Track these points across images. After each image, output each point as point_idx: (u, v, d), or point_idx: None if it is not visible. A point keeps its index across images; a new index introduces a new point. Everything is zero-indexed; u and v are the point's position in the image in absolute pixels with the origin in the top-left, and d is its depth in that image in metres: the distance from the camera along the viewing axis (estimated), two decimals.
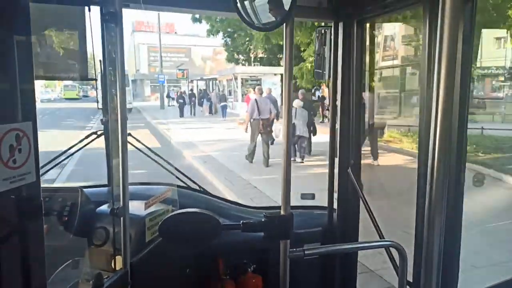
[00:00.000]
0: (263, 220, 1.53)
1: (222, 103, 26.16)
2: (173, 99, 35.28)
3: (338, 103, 2.27)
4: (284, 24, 1.46)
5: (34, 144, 1.00)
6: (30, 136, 0.99)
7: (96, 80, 2.02)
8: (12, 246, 0.98)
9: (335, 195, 2.35)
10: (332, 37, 2.30)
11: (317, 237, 2.34)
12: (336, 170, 2.32)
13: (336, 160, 2.32)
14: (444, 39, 1.03)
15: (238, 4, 1.46)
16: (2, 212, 0.94)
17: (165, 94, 35.59)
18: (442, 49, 1.04)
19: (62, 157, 2.11)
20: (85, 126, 16.74)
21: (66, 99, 42.76)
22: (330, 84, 2.35)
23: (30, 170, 0.99)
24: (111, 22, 1.52)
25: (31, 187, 0.99)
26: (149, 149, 2.36)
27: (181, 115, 26.92)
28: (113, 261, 1.54)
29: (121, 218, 1.51)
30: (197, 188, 2.47)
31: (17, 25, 0.97)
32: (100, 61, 2.01)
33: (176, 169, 2.41)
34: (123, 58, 1.55)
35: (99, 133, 2.24)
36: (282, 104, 1.64)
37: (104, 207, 1.83)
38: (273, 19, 1.52)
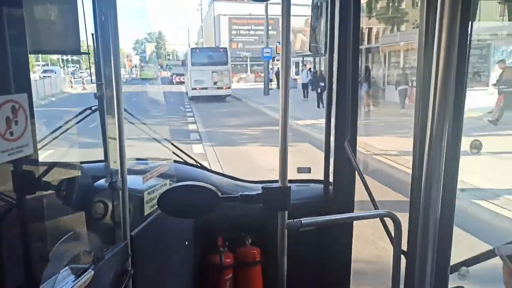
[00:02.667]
0: (261, 192, 1.54)
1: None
2: (271, 80, 27.82)
3: (335, 76, 2.25)
4: None
5: (31, 116, 0.99)
6: (26, 108, 0.97)
7: (89, 54, 1.99)
8: (12, 219, 0.98)
9: (331, 169, 2.37)
10: (329, 9, 2.26)
11: (313, 210, 2.36)
12: (332, 144, 2.32)
13: (332, 134, 2.32)
14: (443, 27, 1.04)
15: None
16: (1, 185, 0.93)
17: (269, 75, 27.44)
18: (441, 32, 1.05)
19: (57, 133, 2.10)
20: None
21: (143, 79, 36.30)
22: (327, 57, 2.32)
23: (27, 142, 0.98)
24: None
25: (29, 159, 0.99)
26: (144, 123, 2.35)
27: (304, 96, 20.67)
28: (113, 234, 1.55)
29: (120, 191, 1.51)
30: (193, 162, 2.47)
31: None
32: (92, 34, 1.97)
33: (172, 144, 2.41)
34: (117, 30, 1.52)
35: (93, 108, 2.22)
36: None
37: (102, 182, 1.84)
38: None
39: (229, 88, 25.04)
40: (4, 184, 0.95)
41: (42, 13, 1.66)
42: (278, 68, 29.90)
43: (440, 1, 1.04)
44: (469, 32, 1.36)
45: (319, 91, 18.37)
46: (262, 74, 31.12)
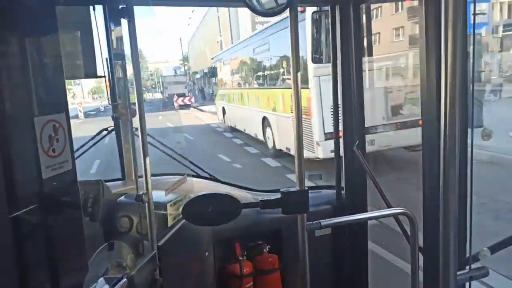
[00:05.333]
0: (280, 196, 1.61)
1: None
2: None
3: (339, 84, 2.34)
4: (289, 9, 1.51)
5: (69, 133, 1.07)
6: (64, 126, 1.06)
7: (104, 77, 2.09)
8: (55, 231, 1.05)
9: (342, 174, 2.43)
10: (330, 21, 2.36)
11: (328, 215, 2.42)
12: (341, 149, 2.39)
13: (341, 139, 2.39)
14: (449, 29, 1.04)
15: None
16: (46, 199, 1.01)
17: None
18: (447, 37, 1.05)
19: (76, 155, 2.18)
20: None
21: None
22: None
23: (67, 159, 1.06)
24: (124, 17, 1.57)
25: (68, 174, 1.06)
26: (159, 141, 2.43)
27: None
28: (140, 245, 1.62)
29: (146, 204, 1.58)
30: (208, 176, 2.54)
31: (46, 28, 1.04)
32: (106, 58, 2.07)
33: (185, 158, 2.49)
34: (137, 54, 1.61)
35: (109, 129, 2.31)
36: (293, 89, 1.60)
37: (124, 198, 1.91)
38: (275, 4, 1.58)
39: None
40: (47, 197, 1.02)
41: (64, 40, 1.75)
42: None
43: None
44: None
45: None
46: None
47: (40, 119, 0.98)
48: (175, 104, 28.61)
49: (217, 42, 26.85)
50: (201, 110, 28.24)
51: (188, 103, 29.81)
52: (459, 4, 1.04)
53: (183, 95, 29.85)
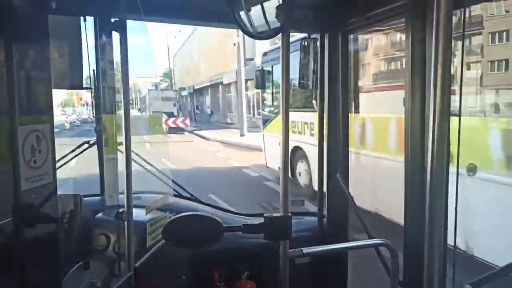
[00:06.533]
0: (263, 221, 1.58)
1: None
2: None
3: (325, 110, 2.36)
4: (281, 34, 1.52)
5: (52, 145, 1.03)
6: (48, 137, 1.02)
7: (91, 89, 2.05)
8: (30, 245, 0.99)
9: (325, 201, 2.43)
10: (318, 48, 2.40)
11: (309, 242, 2.39)
12: (325, 176, 2.40)
13: (325, 167, 2.40)
14: (438, 50, 1.05)
15: (236, 16, 1.53)
16: (23, 212, 0.96)
17: None
18: (437, 59, 1.06)
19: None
20: None
21: None
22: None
23: (48, 171, 1.01)
24: (117, 31, 1.56)
25: (48, 187, 1.02)
26: (141, 157, 2.38)
27: None
28: (116, 265, 1.55)
29: (125, 223, 1.53)
30: (189, 196, 2.49)
31: (36, 37, 1.02)
32: (93, 70, 2.04)
33: (167, 177, 2.44)
34: (127, 67, 1.59)
35: (91, 142, 2.25)
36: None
37: (101, 215, 1.84)
38: (267, 28, 1.59)
39: None
40: (25, 210, 0.97)
41: (52, 49, 1.72)
42: None
43: (425, 19, 1.08)
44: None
45: None
46: None
47: (23, 128, 0.94)
48: (164, 126, 21.53)
49: (234, 44, 20.91)
50: (203, 138, 21.44)
51: (182, 125, 23.30)
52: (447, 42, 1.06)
53: (172, 114, 23.83)
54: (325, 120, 2.37)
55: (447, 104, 1.09)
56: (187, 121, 24.28)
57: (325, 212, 2.44)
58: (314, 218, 2.49)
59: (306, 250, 1.56)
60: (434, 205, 1.15)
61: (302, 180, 8.64)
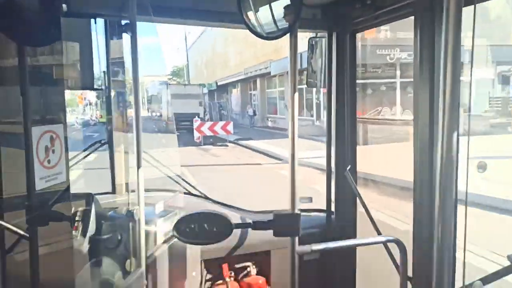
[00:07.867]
0: (272, 218, 1.60)
1: None
2: None
3: (333, 108, 2.37)
4: (289, 34, 1.53)
5: (65, 145, 1.06)
6: (61, 137, 1.05)
7: (102, 89, 2.09)
8: (45, 243, 1.03)
9: (333, 197, 2.44)
10: (326, 47, 2.40)
11: (317, 239, 2.41)
12: (333, 174, 2.41)
13: (333, 164, 2.41)
14: (448, 49, 1.03)
15: (245, 16, 1.54)
16: (38, 210, 0.99)
17: None
18: (446, 58, 1.04)
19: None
20: None
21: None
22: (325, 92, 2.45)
23: (61, 170, 1.05)
24: (127, 32, 1.59)
25: (62, 186, 1.05)
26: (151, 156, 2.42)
27: None
28: (128, 262, 1.58)
29: (137, 220, 1.56)
30: (199, 194, 2.53)
31: (48, 39, 1.05)
32: (104, 72, 2.08)
33: (178, 176, 2.47)
34: (137, 68, 1.62)
35: (103, 141, 2.29)
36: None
37: (113, 212, 1.88)
38: (276, 29, 1.61)
39: None
40: (39, 209, 1.00)
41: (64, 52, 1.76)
42: None
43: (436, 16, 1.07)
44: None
45: None
46: None
47: (37, 128, 0.98)
48: (196, 136, 15.96)
49: None
50: (266, 154, 14.25)
51: (223, 133, 16.74)
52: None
53: (197, 116, 18.13)
54: (333, 118, 2.38)
55: (457, 102, 1.09)
56: (230, 127, 16.93)
57: (333, 209, 2.45)
58: (323, 214, 2.50)
59: (314, 246, 1.58)
60: (443, 201, 1.14)
61: None
